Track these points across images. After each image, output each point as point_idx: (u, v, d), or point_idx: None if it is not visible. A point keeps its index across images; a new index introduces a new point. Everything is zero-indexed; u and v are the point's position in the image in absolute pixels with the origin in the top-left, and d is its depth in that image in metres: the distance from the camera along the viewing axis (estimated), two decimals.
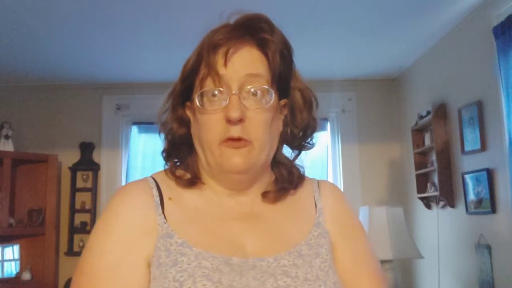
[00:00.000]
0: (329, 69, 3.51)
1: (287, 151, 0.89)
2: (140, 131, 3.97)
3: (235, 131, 0.75)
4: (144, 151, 3.93)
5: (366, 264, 0.84)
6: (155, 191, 0.81)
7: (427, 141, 3.17)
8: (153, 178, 0.84)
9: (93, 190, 3.74)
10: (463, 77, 2.77)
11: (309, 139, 0.88)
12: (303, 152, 0.89)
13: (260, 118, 0.77)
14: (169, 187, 0.83)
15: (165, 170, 0.86)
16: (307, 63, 3.69)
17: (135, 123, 3.94)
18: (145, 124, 3.95)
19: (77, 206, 3.74)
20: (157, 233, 0.76)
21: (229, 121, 0.75)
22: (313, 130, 0.88)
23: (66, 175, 3.76)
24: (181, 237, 0.75)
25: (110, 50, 3.19)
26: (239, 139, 0.76)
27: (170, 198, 0.81)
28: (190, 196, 0.82)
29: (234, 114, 0.74)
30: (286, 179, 0.86)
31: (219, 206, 0.82)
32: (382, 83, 3.88)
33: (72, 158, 3.77)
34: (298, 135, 0.86)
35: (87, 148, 3.80)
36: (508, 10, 2.28)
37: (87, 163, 3.78)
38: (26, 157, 3.49)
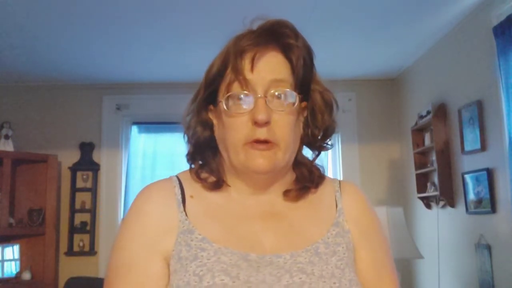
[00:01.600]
0: (329, 69, 3.50)
1: (306, 152, 0.92)
2: (140, 131, 3.97)
3: (262, 133, 0.78)
4: (144, 151, 3.93)
5: (387, 264, 0.87)
6: (177, 190, 0.84)
7: (427, 141, 3.17)
8: (177, 177, 0.87)
9: (93, 190, 3.75)
10: (463, 77, 2.77)
11: (328, 140, 0.91)
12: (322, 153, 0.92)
13: (285, 120, 0.80)
14: (193, 187, 0.86)
15: (190, 171, 0.89)
16: None
17: (135, 123, 3.94)
18: (145, 124, 3.95)
19: (77, 206, 3.74)
20: (178, 229, 0.79)
21: (256, 124, 0.78)
22: (333, 131, 0.90)
23: (66, 175, 3.77)
24: (202, 233, 0.79)
25: (110, 50, 3.19)
26: (265, 141, 0.79)
27: (191, 196, 0.84)
28: (212, 195, 0.85)
29: (262, 117, 0.77)
30: (307, 178, 0.88)
31: (240, 205, 0.85)
32: (382, 83, 3.88)
33: (72, 158, 3.77)
34: (319, 136, 0.89)
35: (87, 148, 3.80)
36: (508, 10, 2.28)
37: (87, 163, 3.78)
38: (26, 157, 3.49)
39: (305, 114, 0.87)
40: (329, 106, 0.88)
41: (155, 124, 3.91)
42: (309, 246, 0.80)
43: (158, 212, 0.81)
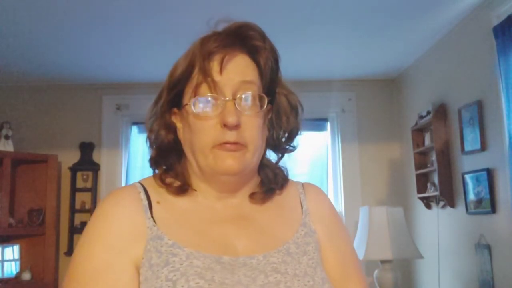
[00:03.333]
0: (329, 69, 3.51)
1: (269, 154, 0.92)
2: (140, 131, 3.97)
3: (231, 136, 0.78)
4: (144, 151, 3.91)
5: (353, 262, 0.89)
6: (143, 195, 0.82)
7: (427, 141, 3.17)
8: (141, 184, 0.85)
9: (93, 190, 3.74)
10: (463, 77, 2.77)
11: (292, 142, 0.91)
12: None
13: (254, 123, 0.81)
14: (157, 192, 0.84)
15: (153, 176, 0.87)
16: (307, 63, 3.69)
17: (135, 123, 3.94)
18: (145, 124, 3.94)
19: (77, 206, 3.74)
20: (147, 236, 0.77)
21: (225, 126, 0.77)
22: (297, 133, 0.91)
23: (66, 175, 3.76)
24: (172, 239, 0.77)
25: (110, 50, 3.19)
26: (234, 143, 0.78)
27: (158, 202, 0.82)
28: (178, 200, 0.84)
29: (232, 119, 0.77)
30: (272, 181, 0.89)
31: (208, 209, 0.84)
32: (382, 83, 3.88)
33: (72, 158, 3.77)
34: (283, 138, 0.90)
35: (87, 148, 3.80)
36: (508, 10, 2.28)
37: (87, 163, 3.78)
38: (26, 157, 3.49)
39: (269, 117, 0.88)
40: (294, 108, 0.89)
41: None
42: (280, 247, 0.80)
43: (127, 218, 0.78)
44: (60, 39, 2.98)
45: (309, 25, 2.78)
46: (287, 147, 0.91)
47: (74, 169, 3.76)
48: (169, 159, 0.87)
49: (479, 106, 2.55)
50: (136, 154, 3.91)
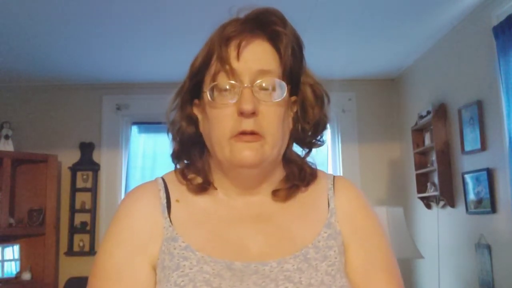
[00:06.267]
0: (329, 69, 3.51)
1: (297, 149, 0.87)
2: (140, 131, 3.97)
3: (248, 125, 0.74)
4: (144, 151, 3.93)
5: (382, 266, 0.80)
6: (162, 194, 0.81)
7: (427, 141, 3.17)
8: (163, 179, 0.84)
9: (93, 190, 3.74)
10: (463, 77, 2.77)
11: (320, 136, 0.86)
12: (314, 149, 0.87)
13: (273, 112, 0.76)
14: (178, 189, 0.82)
15: (175, 171, 0.85)
16: (307, 63, 3.68)
17: (135, 123, 3.94)
18: (145, 124, 3.95)
19: (77, 206, 3.74)
20: (162, 236, 0.77)
21: (241, 114, 0.74)
22: (324, 126, 0.86)
23: (66, 175, 3.77)
24: (185, 241, 0.75)
25: (110, 50, 3.19)
26: (252, 133, 0.74)
27: (177, 200, 0.81)
28: (198, 198, 0.82)
29: (247, 107, 0.73)
30: (297, 177, 0.83)
31: (228, 207, 0.81)
32: (382, 83, 3.88)
33: (72, 158, 3.77)
34: (309, 131, 0.84)
35: (87, 148, 3.80)
36: (508, 10, 2.28)
37: (87, 163, 3.78)
38: (26, 157, 3.49)
39: (294, 109, 0.83)
40: (320, 99, 0.84)
41: (155, 124, 3.90)
42: (298, 252, 0.76)
43: (145, 217, 0.78)
44: (60, 40, 2.98)
45: (309, 25, 2.78)
46: (315, 141, 0.85)
47: (74, 169, 3.76)
48: (190, 153, 0.84)
49: (479, 106, 2.55)
50: (136, 154, 3.92)
